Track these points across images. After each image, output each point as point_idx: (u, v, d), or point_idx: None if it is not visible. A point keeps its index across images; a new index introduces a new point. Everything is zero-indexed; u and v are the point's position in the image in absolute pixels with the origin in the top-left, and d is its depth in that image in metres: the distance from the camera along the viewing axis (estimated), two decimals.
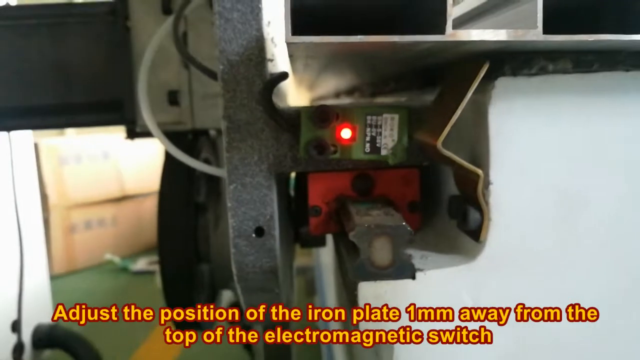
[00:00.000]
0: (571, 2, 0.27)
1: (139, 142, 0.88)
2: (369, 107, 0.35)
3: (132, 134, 0.80)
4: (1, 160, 1.29)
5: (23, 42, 0.70)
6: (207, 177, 0.80)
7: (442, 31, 0.23)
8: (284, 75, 0.36)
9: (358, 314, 0.30)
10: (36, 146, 2.28)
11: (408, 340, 0.30)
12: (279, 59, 0.51)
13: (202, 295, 0.81)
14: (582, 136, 0.30)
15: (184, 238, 0.74)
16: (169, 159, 0.76)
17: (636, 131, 0.30)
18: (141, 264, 2.56)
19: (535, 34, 0.24)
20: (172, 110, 0.70)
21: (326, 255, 1.10)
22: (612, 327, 0.32)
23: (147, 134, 0.68)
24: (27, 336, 1.39)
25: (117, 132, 2.30)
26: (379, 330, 0.30)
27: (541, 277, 0.31)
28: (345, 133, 0.35)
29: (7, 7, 0.71)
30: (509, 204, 0.30)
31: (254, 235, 0.37)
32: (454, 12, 0.27)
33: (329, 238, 0.68)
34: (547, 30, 0.25)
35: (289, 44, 0.24)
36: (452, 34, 0.24)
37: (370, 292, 0.30)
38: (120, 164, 2.71)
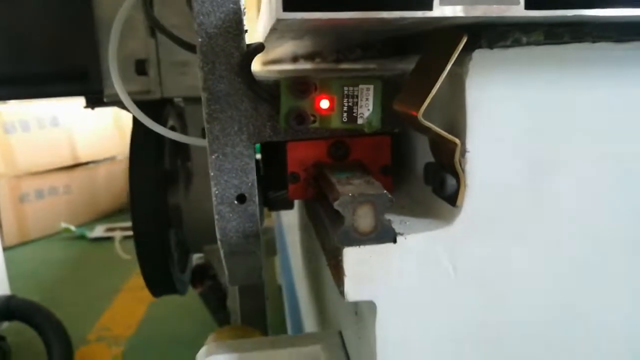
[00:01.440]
0: None
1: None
2: (346, 79, 0.36)
3: (91, 103, 0.79)
4: None
5: None
6: (176, 145, 0.79)
7: (429, 7, 0.24)
8: (260, 47, 0.36)
9: (342, 277, 0.32)
10: None
11: (390, 300, 0.32)
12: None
13: (175, 259, 0.82)
14: (552, 105, 0.32)
15: (155, 205, 0.74)
16: (137, 128, 0.75)
17: (601, 100, 0.32)
18: (98, 231, 2.54)
19: (518, 10, 0.25)
20: (140, 80, 0.69)
21: (288, 216, 1.11)
22: (582, 290, 0.35)
23: (113, 103, 0.67)
24: None
25: (67, 98, 2.23)
26: (362, 292, 0.32)
27: (513, 238, 0.33)
28: (324, 103, 0.36)
29: None
30: (484, 170, 0.32)
31: (236, 202, 0.38)
32: None
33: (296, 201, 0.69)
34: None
35: (278, 20, 0.25)
36: (439, 10, 0.25)
37: (354, 256, 0.31)
38: (72, 130, 2.64)
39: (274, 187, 0.50)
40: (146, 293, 1.93)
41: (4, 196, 2.40)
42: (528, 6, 0.25)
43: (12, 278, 1.66)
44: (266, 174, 0.51)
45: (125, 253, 2.22)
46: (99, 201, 2.76)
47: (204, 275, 1.34)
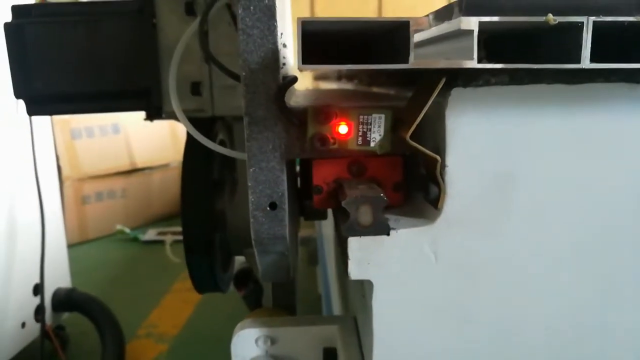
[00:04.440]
0: (507, 33, 0.37)
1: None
2: (361, 108, 0.44)
3: (151, 116, 0.90)
4: (22, 134, 1.37)
5: (62, 36, 0.79)
6: (223, 156, 0.88)
7: (406, 62, 0.34)
8: (293, 80, 0.45)
9: (347, 260, 0.41)
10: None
11: (385, 280, 0.41)
12: (289, 57, 0.60)
13: (218, 260, 0.91)
14: (514, 132, 0.40)
15: (204, 211, 0.83)
16: (190, 140, 0.85)
17: (553, 129, 0.41)
18: (150, 234, 2.67)
19: (472, 63, 0.34)
20: (195, 99, 0.79)
21: (327, 228, 1.19)
22: (540, 289, 0.43)
23: (171, 118, 0.78)
24: (47, 299, 1.47)
25: None
26: (362, 272, 0.41)
27: (482, 236, 0.41)
28: (343, 129, 0.44)
29: (47, 5, 0.80)
30: (459, 181, 0.41)
31: (268, 208, 0.45)
32: (419, 37, 0.37)
33: (330, 211, 0.78)
34: (490, 53, 0.35)
35: (300, 69, 0.34)
36: (413, 63, 0.34)
37: (357, 245, 0.41)
38: (130, 137, 2.79)
39: (307, 197, 0.56)
40: (192, 295, 2.02)
41: (69, 197, 2.54)
42: (479, 61, 0.34)
43: (72, 273, 1.75)
44: (303, 186, 0.58)
45: (175, 256, 2.34)
46: (153, 206, 2.89)
47: (246, 279, 1.41)
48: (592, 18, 0.34)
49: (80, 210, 2.62)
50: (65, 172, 2.54)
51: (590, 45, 0.34)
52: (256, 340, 0.53)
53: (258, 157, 0.44)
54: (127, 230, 2.68)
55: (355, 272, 0.41)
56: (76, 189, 2.61)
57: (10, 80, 0.80)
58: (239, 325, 0.55)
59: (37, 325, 1.42)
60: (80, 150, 2.62)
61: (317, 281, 1.81)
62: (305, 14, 2.94)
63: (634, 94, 0.40)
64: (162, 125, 2.86)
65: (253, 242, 0.47)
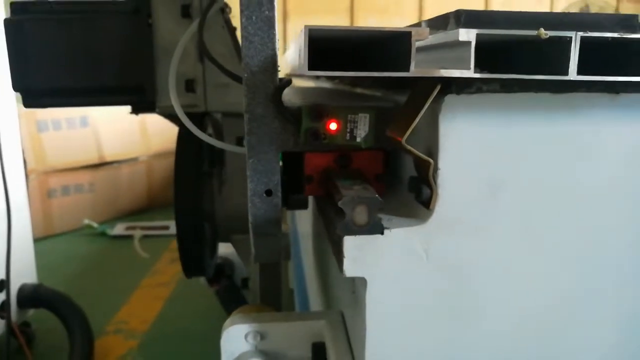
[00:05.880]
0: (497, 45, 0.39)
1: (116, 109, 0.99)
2: (349, 108, 0.48)
3: (137, 110, 0.93)
4: None
5: (60, 33, 0.82)
6: (212, 150, 0.93)
7: (407, 70, 0.35)
8: (288, 82, 0.48)
9: (342, 258, 0.42)
10: None
11: (377, 276, 0.43)
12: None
13: (207, 247, 0.96)
14: (503, 137, 0.43)
15: (196, 201, 0.88)
16: (183, 134, 0.89)
17: (539, 134, 0.43)
18: (119, 229, 2.64)
19: (469, 73, 0.36)
20: (188, 96, 0.84)
21: (303, 224, 1.20)
22: (528, 288, 0.45)
23: (163, 113, 0.81)
24: (12, 295, 1.45)
25: None
26: (357, 270, 0.43)
27: (471, 237, 0.44)
28: (333, 126, 0.48)
29: (45, 2, 0.83)
30: (451, 183, 0.43)
31: (265, 195, 0.51)
32: (418, 43, 0.39)
33: (310, 206, 0.80)
34: (480, 63, 0.37)
35: (305, 74, 0.36)
36: (414, 72, 0.36)
37: (352, 243, 0.42)
38: (99, 130, 2.75)
39: (292, 189, 0.61)
40: (162, 291, 2.01)
41: (34, 190, 2.48)
42: (475, 71, 0.36)
43: (38, 268, 1.71)
44: (287, 178, 0.61)
45: (144, 251, 2.33)
46: (121, 200, 2.86)
47: (220, 275, 1.42)
48: (580, 33, 0.36)
49: (45, 203, 2.57)
50: (30, 165, 2.48)
51: (577, 59, 0.36)
52: (245, 336, 0.55)
53: (256, 149, 0.49)
54: (95, 224, 2.65)
55: (350, 269, 0.43)
56: (41, 182, 2.56)
57: None
58: (228, 320, 0.56)
59: (2, 322, 1.39)
60: (47, 143, 2.57)
61: (288, 275, 1.83)
62: (278, 9, 2.94)
63: (613, 103, 0.43)
64: (131, 119, 2.79)
65: (250, 225, 0.52)
